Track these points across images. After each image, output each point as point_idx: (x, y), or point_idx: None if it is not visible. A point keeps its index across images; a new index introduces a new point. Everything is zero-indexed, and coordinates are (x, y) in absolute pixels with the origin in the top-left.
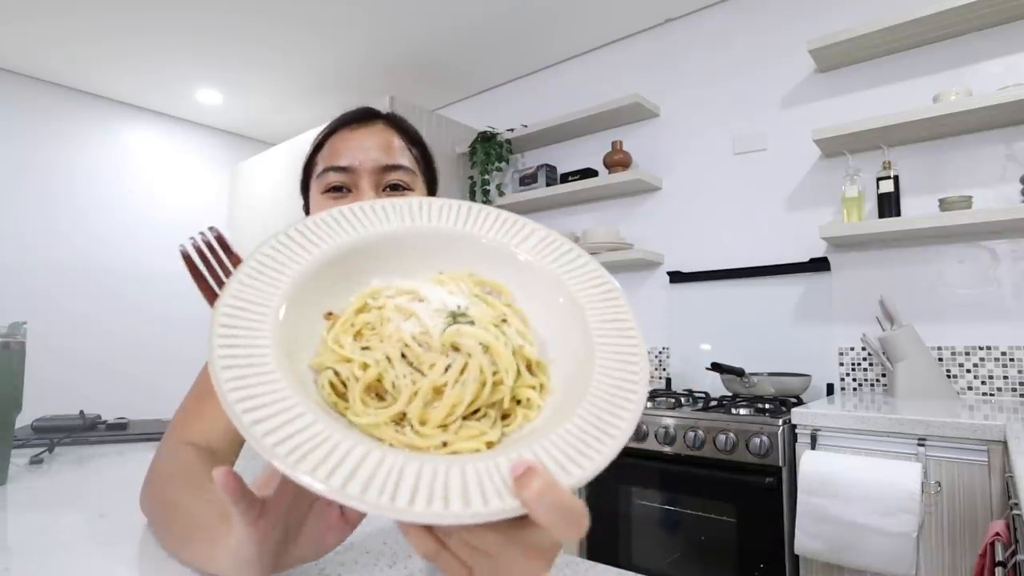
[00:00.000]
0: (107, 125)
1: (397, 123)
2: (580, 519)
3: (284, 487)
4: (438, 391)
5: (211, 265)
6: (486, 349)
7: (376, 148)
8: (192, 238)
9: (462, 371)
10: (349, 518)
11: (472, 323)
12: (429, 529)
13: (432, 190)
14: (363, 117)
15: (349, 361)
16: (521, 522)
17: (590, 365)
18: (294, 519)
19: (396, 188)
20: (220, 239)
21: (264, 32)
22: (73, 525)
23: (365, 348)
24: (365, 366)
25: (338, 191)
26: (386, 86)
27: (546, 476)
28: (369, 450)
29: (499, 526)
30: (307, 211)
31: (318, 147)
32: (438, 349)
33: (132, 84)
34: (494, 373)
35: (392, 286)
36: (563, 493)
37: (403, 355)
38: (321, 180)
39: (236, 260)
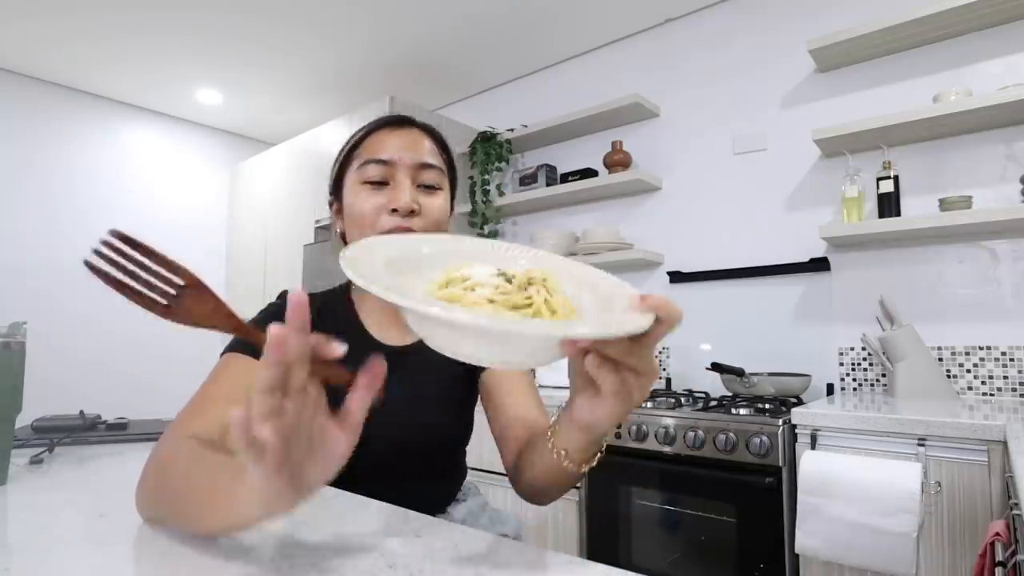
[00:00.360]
0: (107, 125)
1: (429, 130)
2: (677, 306)
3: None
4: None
5: (128, 268)
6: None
7: (414, 148)
8: (95, 249)
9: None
10: (348, 425)
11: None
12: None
13: (453, 192)
14: (401, 122)
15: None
16: (646, 338)
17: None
18: (304, 437)
19: (428, 188)
20: (125, 238)
21: (264, 32)
22: (73, 525)
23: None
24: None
25: (376, 184)
26: (386, 86)
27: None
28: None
29: (642, 339)
30: (338, 207)
31: (354, 145)
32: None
33: (132, 84)
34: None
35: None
36: (664, 298)
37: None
38: (361, 172)
39: (154, 255)
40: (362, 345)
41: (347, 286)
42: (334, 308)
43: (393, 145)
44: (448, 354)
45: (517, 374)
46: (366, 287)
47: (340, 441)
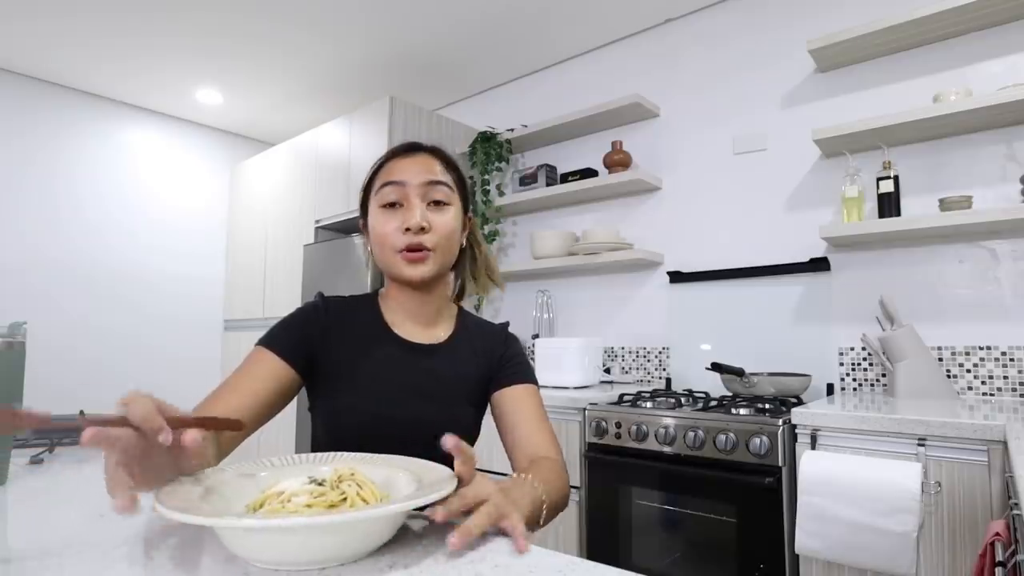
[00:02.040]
0: (107, 125)
1: (437, 152)
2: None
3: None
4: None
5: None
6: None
7: (424, 168)
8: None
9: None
10: (186, 451)
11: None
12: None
13: (466, 207)
14: (411, 148)
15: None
16: (460, 491)
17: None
18: (152, 465)
19: (438, 204)
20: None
21: (264, 32)
22: (73, 525)
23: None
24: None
25: (392, 207)
26: (386, 86)
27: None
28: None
29: (457, 493)
30: (365, 227)
31: (373, 173)
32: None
33: (132, 84)
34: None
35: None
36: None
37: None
38: (379, 196)
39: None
40: (389, 342)
41: (375, 293)
42: (365, 310)
43: (404, 168)
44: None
45: (525, 400)
46: (188, 521)
47: (185, 458)
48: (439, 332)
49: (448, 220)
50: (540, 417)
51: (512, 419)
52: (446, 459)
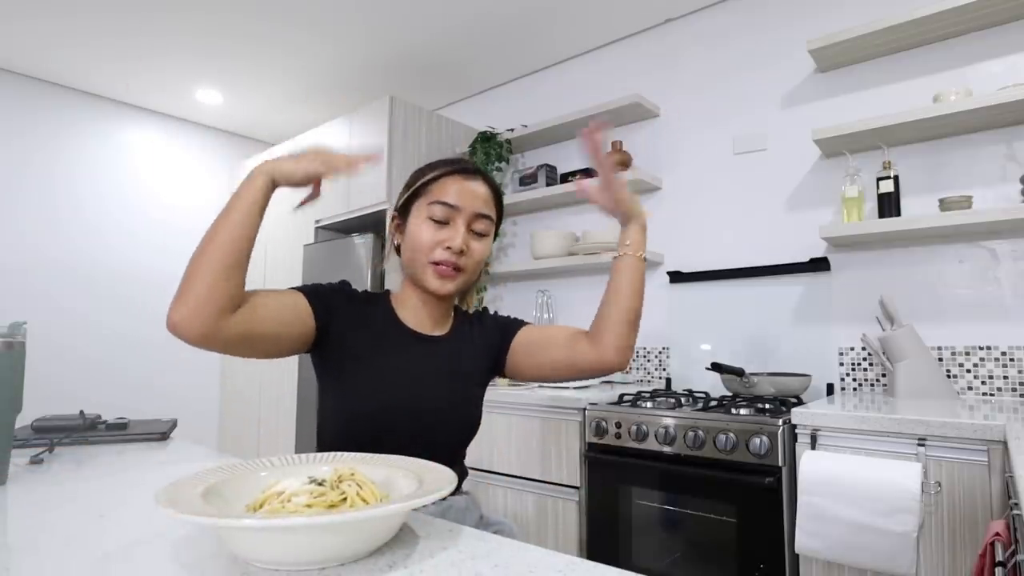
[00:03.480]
0: (107, 125)
1: (489, 181)
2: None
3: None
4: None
5: None
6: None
7: (479, 199)
8: None
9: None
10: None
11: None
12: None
13: (496, 232)
14: (472, 172)
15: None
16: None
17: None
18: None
19: (478, 234)
20: None
21: (264, 32)
22: (73, 525)
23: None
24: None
25: (438, 223)
26: (386, 86)
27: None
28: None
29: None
30: (399, 225)
31: (425, 182)
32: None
33: (132, 84)
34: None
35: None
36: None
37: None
38: (430, 209)
39: None
40: (401, 332)
41: (388, 293)
42: (380, 304)
43: (464, 192)
44: (289, 564)
45: (534, 330)
46: (188, 521)
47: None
48: (443, 326)
49: (484, 249)
50: (553, 327)
51: (541, 342)
52: (451, 446)
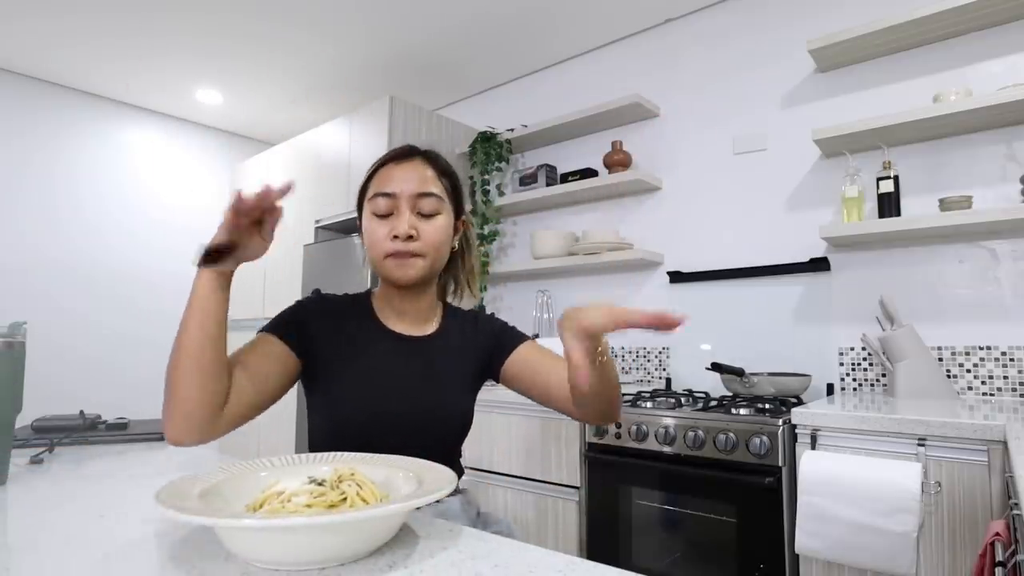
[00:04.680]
0: (107, 125)
1: (431, 158)
2: None
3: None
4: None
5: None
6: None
7: (414, 180)
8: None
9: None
10: (265, 235)
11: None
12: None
13: (459, 213)
14: (404, 154)
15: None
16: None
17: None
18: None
19: (427, 215)
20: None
21: (264, 32)
22: (73, 525)
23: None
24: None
25: (383, 216)
26: (386, 86)
27: None
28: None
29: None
30: (360, 228)
31: (369, 178)
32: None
33: (132, 84)
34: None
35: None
36: None
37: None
38: (372, 204)
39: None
40: (381, 335)
41: (369, 292)
42: (359, 306)
43: (396, 178)
44: (288, 564)
45: (535, 354)
46: (188, 521)
47: (259, 244)
48: (429, 325)
49: (436, 229)
50: (556, 357)
51: (536, 371)
52: (444, 446)
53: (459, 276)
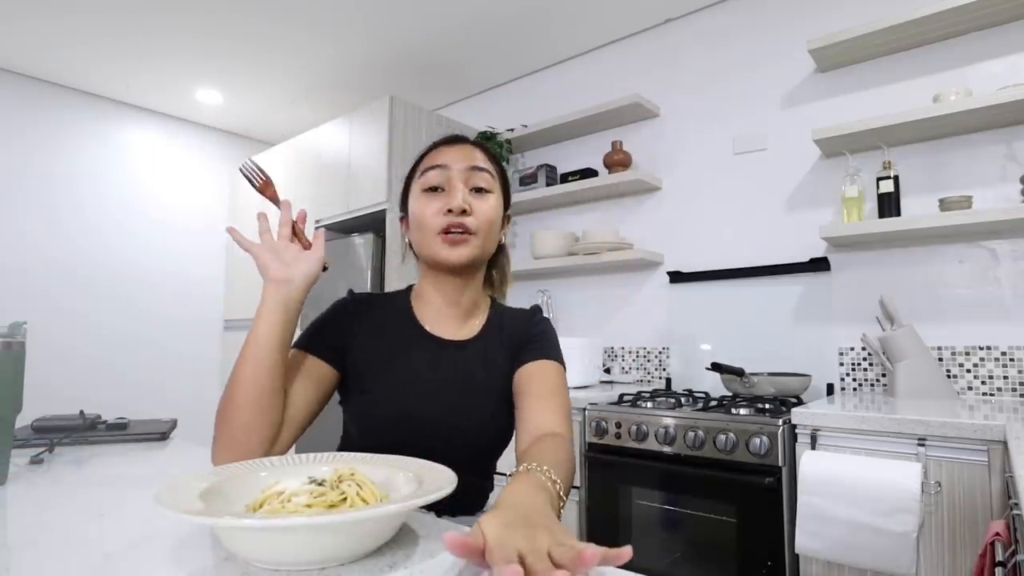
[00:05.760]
0: (107, 125)
1: (480, 144)
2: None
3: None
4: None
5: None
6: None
7: (468, 156)
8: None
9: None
10: (305, 244)
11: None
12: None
13: (507, 203)
14: (455, 139)
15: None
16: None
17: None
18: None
19: (480, 191)
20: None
21: (264, 32)
22: (73, 525)
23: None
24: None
25: (434, 191)
26: (386, 86)
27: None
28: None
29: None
30: (404, 220)
31: (419, 160)
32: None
33: (132, 84)
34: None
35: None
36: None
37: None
38: (422, 180)
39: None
40: (419, 339)
41: (408, 289)
42: (396, 307)
43: (448, 154)
44: (289, 563)
45: (537, 375)
46: (188, 520)
47: (306, 258)
48: (471, 325)
49: (490, 207)
50: (550, 392)
51: (522, 394)
52: (475, 457)
53: (493, 275)
